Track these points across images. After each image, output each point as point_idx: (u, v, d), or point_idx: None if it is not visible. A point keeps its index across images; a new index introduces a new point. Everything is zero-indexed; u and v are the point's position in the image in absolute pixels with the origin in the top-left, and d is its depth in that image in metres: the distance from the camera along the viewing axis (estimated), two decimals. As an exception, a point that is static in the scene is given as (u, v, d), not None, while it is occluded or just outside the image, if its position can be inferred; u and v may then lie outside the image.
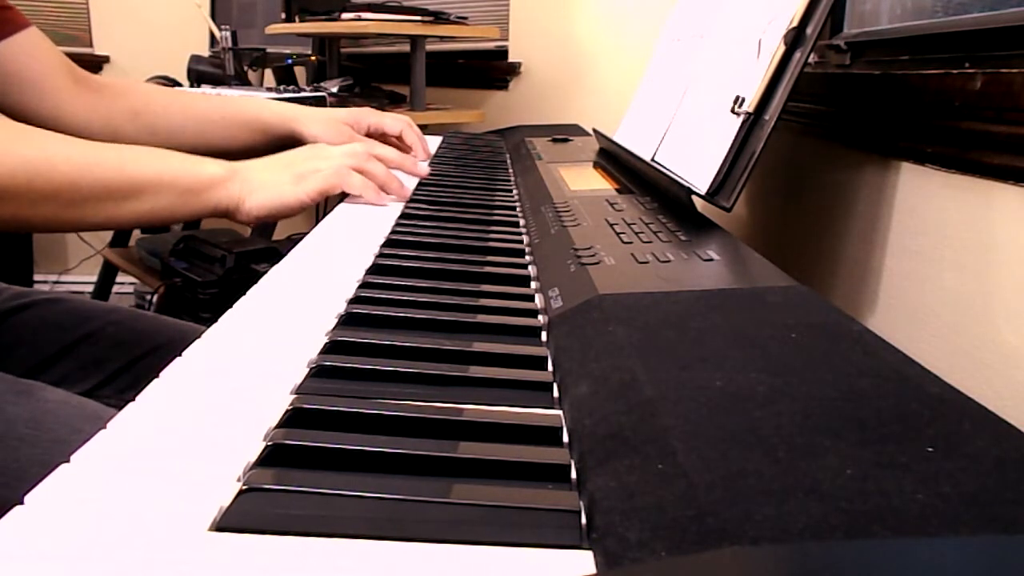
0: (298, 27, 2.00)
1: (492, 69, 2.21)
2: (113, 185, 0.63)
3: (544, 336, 0.43)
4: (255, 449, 0.30)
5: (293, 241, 0.74)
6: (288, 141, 0.92)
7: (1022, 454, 0.26)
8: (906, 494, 0.24)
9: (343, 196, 0.77)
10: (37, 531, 0.24)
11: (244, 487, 0.27)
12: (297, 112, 0.95)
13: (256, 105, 0.97)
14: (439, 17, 1.87)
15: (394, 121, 1.00)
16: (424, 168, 0.89)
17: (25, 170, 0.58)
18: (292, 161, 0.73)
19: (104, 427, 0.30)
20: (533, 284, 0.52)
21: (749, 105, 0.61)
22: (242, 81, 1.98)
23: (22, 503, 0.25)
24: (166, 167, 0.66)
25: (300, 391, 0.35)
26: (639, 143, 0.88)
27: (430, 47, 1.96)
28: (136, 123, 0.88)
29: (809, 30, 0.59)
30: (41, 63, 0.83)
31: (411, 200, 0.78)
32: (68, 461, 0.28)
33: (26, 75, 0.82)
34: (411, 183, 0.86)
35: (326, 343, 0.40)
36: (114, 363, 0.83)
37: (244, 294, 0.47)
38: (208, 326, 0.42)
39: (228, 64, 1.96)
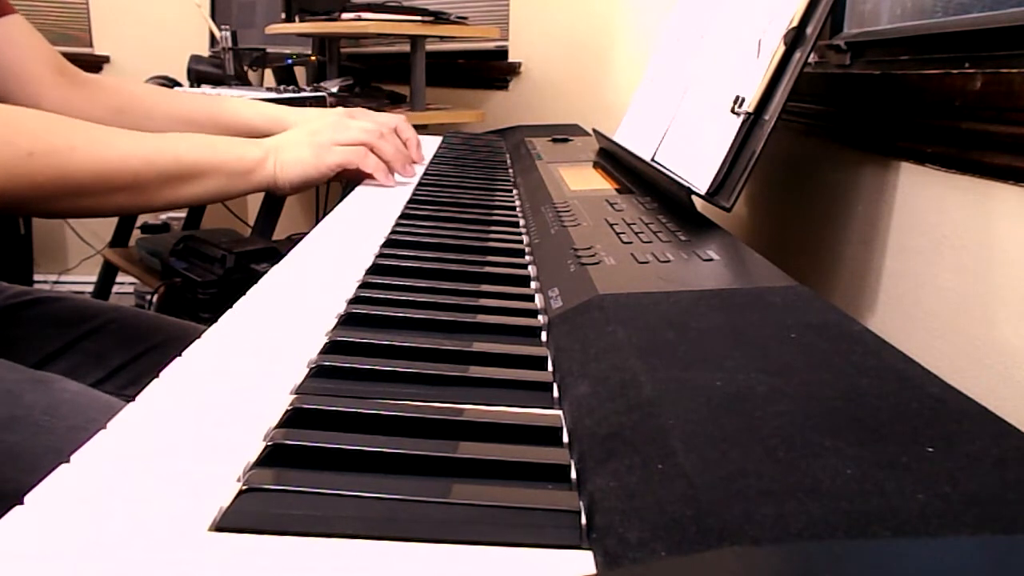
0: (298, 27, 2.00)
1: (492, 69, 2.21)
2: (172, 173, 0.69)
3: (544, 336, 0.43)
4: (255, 449, 0.30)
5: (293, 241, 0.75)
6: None
7: (1022, 454, 0.26)
8: (906, 494, 0.24)
9: (343, 195, 0.79)
10: (37, 531, 0.24)
11: (244, 487, 0.27)
12: (288, 115, 0.96)
13: (246, 108, 0.97)
14: (439, 17, 1.87)
15: (388, 119, 1.00)
16: (412, 170, 0.92)
17: (104, 168, 0.64)
18: (317, 132, 0.81)
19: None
20: (533, 284, 0.52)
21: (749, 105, 0.61)
22: (242, 81, 1.98)
23: (31, 491, 0.25)
24: (214, 154, 0.72)
25: (300, 391, 0.35)
26: (639, 143, 0.88)
27: (430, 47, 1.96)
28: (119, 120, 0.86)
29: (809, 30, 0.59)
30: (22, 51, 0.83)
31: (411, 200, 0.78)
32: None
33: (3, 62, 0.82)
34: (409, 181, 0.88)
35: (326, 343, 0.40)
36: (115, 359, 0.83)
37: (244, 294, 0.47)
38: (208, 326, 0.42)
39: (228, 64, 1.96)
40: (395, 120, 0.98)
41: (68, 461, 0.27)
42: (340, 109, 0.99)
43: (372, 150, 0.84)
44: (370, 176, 0.84)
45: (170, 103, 0.94)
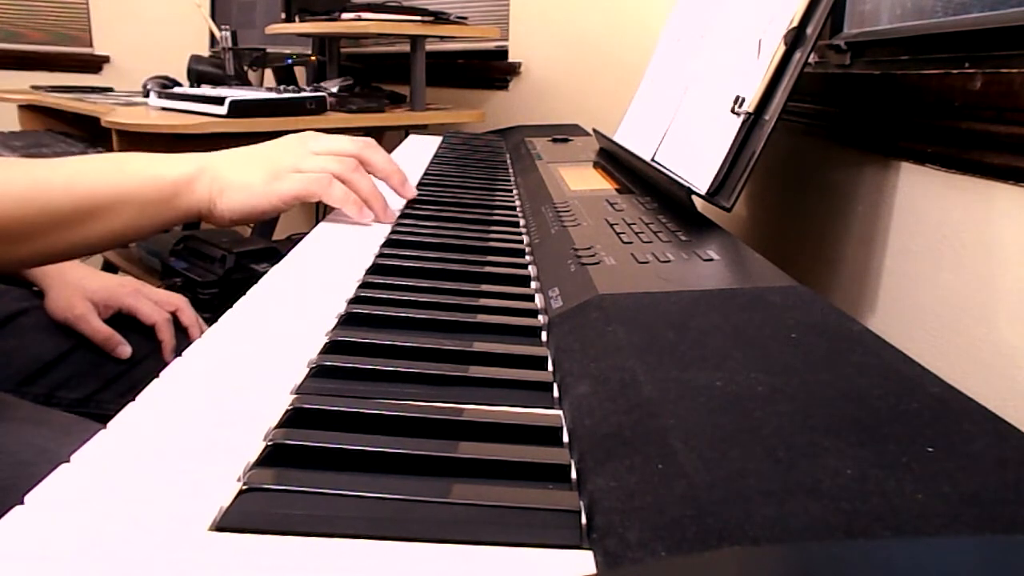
0: (298, 27, 2.00)
1: (492, 69, 2.21)
2: (63, 210, 0.53)
3: (544, 336, 0.43)
4: (255, 449, 0.30)
5: (293, 241, 0.73)
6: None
7: (1022, 454, 0.26)
8: (906, 494, 0.24)
9: None
10: (37, 531, 0.24)
11: (244, 487, 0.27)
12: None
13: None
14: (439, 17, 1.87)
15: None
16: (411, 190, 0.74)
17: None
18: (271, 155, 0.63)
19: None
20: (533, 284, 0.52)
21: (749, 105, 0.61)
22: (242, 81, 1.98)
23: None
24: (123, 179, 0.56)
25: (300, 391, 0.35)
26: (639, 143, 0.88)
27: (430, 47, 1.95)
28: None
29: (809, 30, 0.59)
30: None
31: (411, 200, 0.78)
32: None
33: None
34: (397, 204, 0.74)
35: (326, 343, 0.40)
36: (113, 366, 0.82)
37: (244, 294, 0.47)
38: (208, 326, 0.42)
39: (228, 64, 1.96)
40: (362, 142, 0.70)
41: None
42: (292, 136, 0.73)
43: (343, 182, 0.65)
44: (337, 210, 0.67)
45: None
